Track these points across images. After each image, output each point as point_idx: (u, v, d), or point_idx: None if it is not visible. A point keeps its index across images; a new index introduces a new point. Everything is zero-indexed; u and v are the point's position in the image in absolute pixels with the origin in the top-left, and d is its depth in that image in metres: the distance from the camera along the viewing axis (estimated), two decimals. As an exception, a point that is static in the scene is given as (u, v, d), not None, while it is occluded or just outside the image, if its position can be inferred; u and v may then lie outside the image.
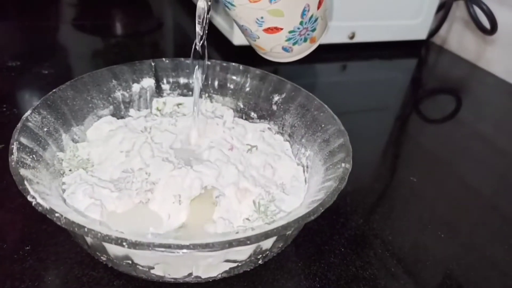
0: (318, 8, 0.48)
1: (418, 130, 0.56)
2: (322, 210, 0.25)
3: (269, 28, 0.47)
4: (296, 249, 0.34)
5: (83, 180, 0.28)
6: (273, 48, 0.45)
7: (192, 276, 0.26)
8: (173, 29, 0.78)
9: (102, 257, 0.26)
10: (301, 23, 0.47)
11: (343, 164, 0.29)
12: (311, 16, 0.48)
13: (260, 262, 0.28)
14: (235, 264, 0.26)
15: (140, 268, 0.26)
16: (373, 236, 0.37)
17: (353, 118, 0.54)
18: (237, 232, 0.26)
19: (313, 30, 0.51)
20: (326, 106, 0.35)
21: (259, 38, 0.44)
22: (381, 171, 0.46)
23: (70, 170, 0.30)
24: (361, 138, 0.50)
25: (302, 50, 0.52)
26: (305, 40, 0.50)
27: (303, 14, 0.46)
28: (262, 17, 0.43)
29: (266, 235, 0.22)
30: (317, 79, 0.68)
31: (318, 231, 0.36)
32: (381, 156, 0.49)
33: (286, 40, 0.48)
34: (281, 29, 0.48)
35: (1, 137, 0.38)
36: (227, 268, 0.26)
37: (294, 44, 0.50)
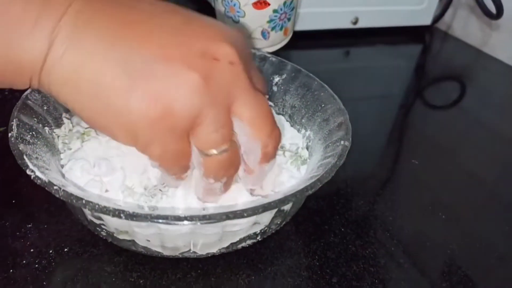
0: None
1: (422, 117, 0.56)
2: (320, 185, 0.25)
3: (258, 1, 0.49)
4: (295, 228, 0.34)
5: (81, 156, 0.28)
6: (253, 31, 0.48)
7: (191, 252, 0.26)
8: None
9: (102, 232, 0.26)
10: (284, 3, 0.50)
11: (342, 142, 0.28)
12: (292, 1, 0.51)
13: (258, 238, 0.28)
14: (234, 239, 0.26)
15: (140, 243, 0.26)
16: (373, 217, 0.37)
17: (356, 105, 0.54)
18: (235, 205, 0.26)
19: (289, 19, 0.54)
20: (326, 86, 0.35)
21: (244, 16, 0.47)
22: (383, 156, 0.46)
23: (65, 143, 0.30)
24: (364, 125, 0.50)
25: (276, 41, 0.57)
26: (281, 28, 0.54)
27: None
28: None
29: (263, 208, 0.22)
30: (319, 66, 0.67)
31: (317, 211, 0.36)
32: (383, 142, 0.49)
33: (268, 21, 0.51)
34: (269, 4, 0.50)
35: (2, 120, 0.39)
36: (226, 244, 0.27)
37: (272, 29, 0.54)
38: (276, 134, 0.25)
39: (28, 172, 0.23)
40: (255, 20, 0.51)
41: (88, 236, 0.31)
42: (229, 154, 0.23)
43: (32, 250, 0.29)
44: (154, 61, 0.21)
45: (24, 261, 0.29)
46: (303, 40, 0.66)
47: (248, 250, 0.31)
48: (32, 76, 0.21)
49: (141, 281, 0.28)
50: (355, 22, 0.69)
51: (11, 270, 0.28)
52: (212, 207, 0.25)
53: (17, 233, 0.30)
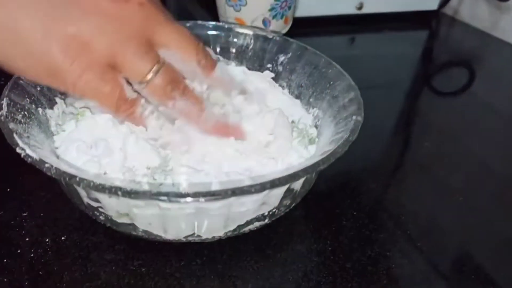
0: None
1: (430, 103, 0.54)
2: (333, 160, 0.23)
3: None
4: (305, 212, 0.32)
5: (76, 138, 0.26)
6: (255, 19, 0.48)
7: (195, 235, 0.24)
8: (175, 7, 0.77)
9: (100, 217, 0.25)
10: None
11: (354, 117, 0.27)
12: None
13: (267, 220, 0.26)
14: (241, 221, 0.24)
15: (141, 227, 0.24)
16: (386, 201, 0.35)
17: (363, 93, 0.52)
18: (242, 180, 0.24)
19: (289, 7, 0.54)
20: (334, 63, 0.33)
21: (245, 5, 0.49)
22: (393, 142, 0.44)
23: (58, 125, 0.28)
24: (371, 112, 0.48)
25: (277, 29, 0.57)
26: (282, 16, 0.55)
27: None
28: None
29: (272, 183, 0.20)
30: (324, 53, 0.65)
31: (328, 195, 0.34)
32: (392, 129, 0.47)
33: (270, 10, 0.51)
34: None
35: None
36: (232, 227, 0.25)
37: (273, 17, 0.54)
38: (202, 47, 0.27)
39: (18, 150, 0.21)
40: (256, 8, 0.51)
41: (87, 224, 0.29)
42: (164, 70, 0.25)
43: (27, 239, 0.28)
44: (69, 4, 0.23)
45: (19, 251, 0.27)
46: (306, 27, 0.64)
47: (255, 235, 0.29)
48: None
49: (143, 269, 0.27)
50: (360, 8, 0.67)
51: (5, 260, 0.26)
52: (218, 182, 0.23)
53: (12, 222, 0.29)
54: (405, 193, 0.36)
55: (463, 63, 0.66)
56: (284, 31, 0.57)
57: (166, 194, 0.19)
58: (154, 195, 0.19)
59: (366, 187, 0.36)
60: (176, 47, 0.26)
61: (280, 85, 0.36)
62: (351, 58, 0.63)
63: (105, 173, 0.25)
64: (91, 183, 0.19)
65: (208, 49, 0.29)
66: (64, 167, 0.20)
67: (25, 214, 0.30)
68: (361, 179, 0.36)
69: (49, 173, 0.20)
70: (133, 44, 0.24)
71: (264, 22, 0.53)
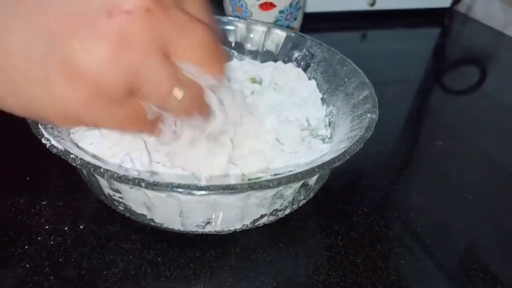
0: None
1: (441, 101, 0.54)
2: (348, 157, 0.23)
3: (265, 3, 0.50)
4: (317, 208, 0.33)
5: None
6: None
7: (212, 226, 0.25)
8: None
9: (119, 207, 0.25)
10: (290, 4, 0.51)
11: (368, 115, 0.27)
12: (298, 2, 0.51)
13: (280, 215, 0.27)
14: (256, 216, 0.25)
15: (159, 218, 0.25)
16: (397, 198, 0.35)
17: (375, 89, 0.52)
18: (260, 177, 0.24)
19: (295, 18, 0.54)
20: (349, 60, 0.33)
21: (251, 16, 0.49)
22: (404, 139, 0.45)
23: None
24: (383, 108, 0.48)
25: None
26: (287, 27, 0.54)
27: None
28: None
29: (288, 180, 0.21)
30: (336, 49, 0.66)
31: (339, 192, 0.34)
32: (403, 125, 0.47)
33: (274, 22, 0.52)
34: (275, 6, 0.51)
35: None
36: (248, 221, 0.25)
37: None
38: (223, 67, 0.23)
39: (43, 140, 0.22)
40: (261, 20, 0.52)
41: (104, 213, 0.30)
42: (188, 97, 0.21)
43: (47, 227, 0.29)
44: (59, 38, 0.18)
45: (39, 238, 0.28)
46: (319, 23, 0.64)
47: (268, 229, 0.30)
48: None
49: (159, 259, 0.27)
50: (373, 4, 0.67)
51: (26, 247, 0.27)
52: (234, 175, 0.24)
53: (32, 210, 0.30)
54: (415, 190, 0.36)
55: (475, 61, 0.66)
56: None
57: (187, 187, 0.20)
58: (175, 187, 0.20)
59: (377, 183, 0.36)
60: (195, 63, 0.21)
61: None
62: (363, 54, 0.63)
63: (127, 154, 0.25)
64: (115, 175, 0.20)
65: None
66: (88, 158, 0.21)
67: (44, 202, 0.30)
68: (372, 176, 0.37)
69: (74, 164, 0.21)
70: (147, 67, 0.19)
71: None
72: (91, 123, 0.20)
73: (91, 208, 0.31)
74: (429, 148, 0.42)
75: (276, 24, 0.51)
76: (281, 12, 0.51)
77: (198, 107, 0.23)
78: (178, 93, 0.21)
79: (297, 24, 0.55)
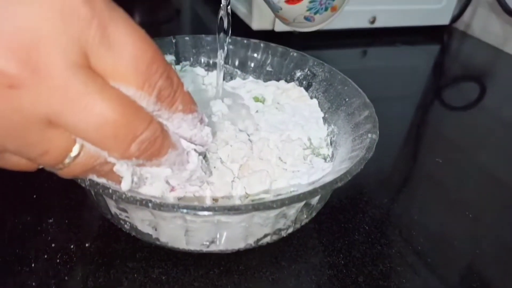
0: None
1: (441, 118, 0.54)
2: (349, 178, 0.24)
3: None
4: (318, 226, 0.33)
5: None
6: (295, 18, 0.44)
7: (216, 245, 0.25)
8: (190, 19, 0.78)
9: (125, 226, 0.26)
10: None
11: (369, 135, 0.28)
12: None
13: (283, 234, 0.27)
14: (259, 235, 0.25)
15: (164, 236, 0.25)
16: (398, 215, 0.36)
17: (375, 105, 0.53)
18: (263, 198, 0.25)
19: (330, 2, 0.50)
20: (350, 80, 0.34)
21: (281, 9, 0.44)
22: (404, 156, 0.45)
23: None
24: (383, 125, 0.49)
25: (324, 19, 0.51)
26: (326, 9, 0.49)
27: None
28: None
29: (291, 200, 0.21)
30: (336, 65, 0.66)
31: (341, 209, 0.35)
32: (403, 142, 0.48)
33: (308, 10, 0.47)
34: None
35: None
36: (251, 240, 0.26)
37: (315, 13, 0.48)
38: (140, 147, 0.19)
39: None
40: (293, 12, 0.45)
41: (110, 232, 0.30)
42: (81, 162, 0.19)
43: (53, 245, 0.29)
44: None
45: (45, 256, 0.28)
46: (319, 40, 0.66)
47: (271, 248, 0.30)
48: None
49: (163, 277, 0.28)
50: (373, 22, 0.68)
51: (33, 265, 0.28)
52: (238, 196, 0.24)
53: (38, 228, 0.30)
54: (416, 207, 0.37)
55: (474, 77, 0.67)
56: (332, 19, 0.51)
57: (193, 208, 0.20)
58: (181, 208, 0.20)
59: (378, 201, 0.37)
60: (91, 142, 0.18)
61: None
62: (363, 70, 0.64)
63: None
64: (123, 195, 0.20)
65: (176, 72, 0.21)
66: (97, 179, 0.21)
67: (50, 220, 0.31)
68: (373, 193, 0.37)
69: (83, 185, 0.21)
70: (25, 136, 0.17)
71: (307, 18, 0.46)
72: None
73: (97, 226, 0.31)
74: (429, 165, 0.43)
75: (312, 11, 0.44)
76: (311, 1, 0.43)
77: (98, 172, 0.20)
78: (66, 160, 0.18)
79: (337, 2, 0.47)
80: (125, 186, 0.21)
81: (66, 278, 0.27)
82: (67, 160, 0.18)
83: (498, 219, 0.37)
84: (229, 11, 0.32)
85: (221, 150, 0.29)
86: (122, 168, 0.20)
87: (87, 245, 0.29)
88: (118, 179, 0.21)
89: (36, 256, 0.28)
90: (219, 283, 0.28)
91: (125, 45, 0.17)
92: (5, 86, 0.15)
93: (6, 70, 0.15)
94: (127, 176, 0.20)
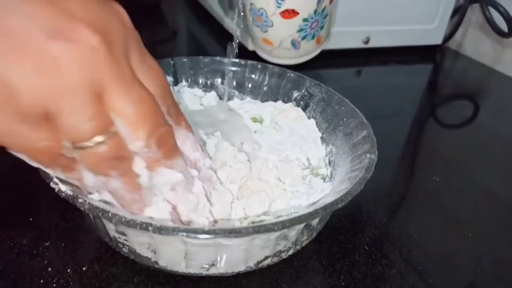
0: (331, 2, 0.48)
1: (436, 135, 0.55)
2: (350, 198, 0.24)
3: (286, 10, 0.46)
4: (319, 247, 0.33)
5: None
6: (283, 41, 0.45)
7: (216, 268, 0.25)
8: (187, 40, 0.79)
9: (123, 249, 0.26)
10: (315, 12, 0.47)
11: (368, 155, 0.28)
12: (324, 8, 0.49)
13: (283, 256, 0.27)
14: (260, 257, 0.25)
15: (163, 260, 0.25)
16: (398, 235, 0.35)
17: (370, 124, 0.53)
18: (263, 220, 0.25)
19: (322, 27, 0.51)
20: (347, 100, 0.35)
21: (272, 26, 0.45)
22: (402, 174, 0.45)
23: None
24: (379, 143, 0.49)
25: (308, 51, 0.52)
26: (313, 37, 0.50)
27: (318, 2, 0.47)
28: None
29: (292, 222, 0.21)
30: (332, 85, 0.67)
31: (340, 229, 0.35)
32: (399, 160, 0.48)
33: (298, 31, 0.48)
34: (297, 13, 0.47)
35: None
36: (252, 263, 0.26)
37: (303, 38, 0.49)
38: (160, 136, 0.21)
39: (52, 185, 0.22)
40: (283, 29, 0.48)
41: (107, 255, 0.30)
42: (108, 147, 0.20)
43: (49, 269, 0.29)
44: None
45: (41, 280, 0.28)
46: (315, 60, 0.66)
47: (271, 270, 0.30)
48: None
49: (162, 301, 0.27)
50: (367, 42, 0.69)
51: (29, 290, 0.27)
52: (237, 218, 0.24)
53: (34, 252, 0.30)
54: (415, 226, 0.36)
55: (468, 95, 0.67)
56: (317, 51, 0.53)
57: (193, 231, 0.20)
58: (182, 231, 0.20)
59: (377, 220, 0.36)
60: (125, 120, 0.20)
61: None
62: (358, 89, 0.65)
63: None
64: (123, 219, 0.20)
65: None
66: (96, 203, 0.21)
67: (47, 243, 0.30)
68: (372, 213, 0.37)
69: (82, 208, 0.21)
70: (74, 100, 0.19)
71: (293, 43, 0.50)
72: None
73: (94, 249, 0.31)
74: (426, 183, 0.43)
75: (301, 34, 0.47)
76: (305, 20, 0.47)
77: (117, 168, 0.21)
78: (96, 139, 0.20)
79: (324, 33, 0.50)
80: (144, 181, 0.22)
81: (62, 303, 0.26)
82: (100, 139, 0.20)
83: (497, 236, 0.37)
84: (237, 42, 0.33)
85: (220, 170, 0.29)
86: (140, 165, 0.22)
87: (84, 268, 0.29)
88: (134, 182, 0.22)
89: (31, 280, 0.28)
90: (219, 306, 0.27)
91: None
92: (88, 45, 0.19)
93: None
94: (144, 174, 0.22)
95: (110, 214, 0.20)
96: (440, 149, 0.50)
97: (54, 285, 0.27)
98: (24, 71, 0.18)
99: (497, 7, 0.65)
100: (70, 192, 0.22)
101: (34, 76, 0.18)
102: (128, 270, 0.29)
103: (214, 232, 0.20)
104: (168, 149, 0.22)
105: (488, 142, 0.53)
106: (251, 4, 0.47)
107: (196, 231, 0.20)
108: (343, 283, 0.30)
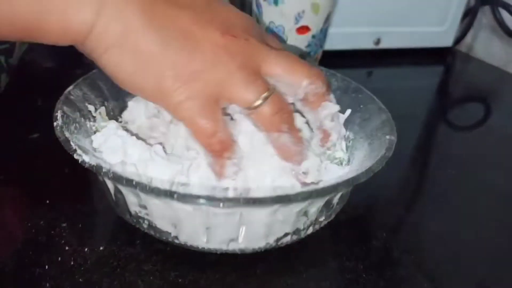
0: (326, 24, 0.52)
1: (447, 137, 0.54)
2: (372, 174, 0.24)
3: (302, 26, 0.50)
4: (335, 232, 0.32)
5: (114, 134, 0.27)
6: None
7: (235, 244, 0.25)
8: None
9: (143, 225, 0.26)
10: (321, 30, 0.50)
11: (387, 137, 0.28)
12: (326, 28, 0.51)
13: (302, 234, 0.27)
14: (279, 234, 0.25)
15: (183, 234, 0.25)
16: (414, 224, 0.35)
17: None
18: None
19: (321, 46, 0.54)
20: (363, 88, 0.35)
21: (286, 41, 0.48)
22: (413, 176, 0.44)
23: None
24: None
25: None
26: (315, 53, 0.54)
27: (325, 21, 0.50)
28: (303, 11, 0.48)
29: (317, 193, 0.21)
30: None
31: (357, 217, 0.34)
32: (409, 164, 0.47)
33: (307, 46, 0.51)
34: (309, 30, 0.51)
35: (36, 127, 0.39)
36: (271, 239, 0.25)
37: (308, 53, 0.53)
38: (315, 70, 0.28)
39: (75, 156, 0.22)
40: (293, 46, 0.52)
41: (124, 235, 0.30)
42: (273, 98, 0.26)
43: (67, 248, 0.29)
44: (184, 36, 0.25)
45: (59, 258, 0.28)
46: (325, 60, 0.67)
47: (288, 252, 0.29)
48: (76, 39, 0.24)
49: (180, 280, 0.27)
50: (377, 43, 0.70)
51: (46, 267, 0.27)
52: (265, 188, 0.24)
53: (52, 232, 0.30)
54: (433, 217, 0.36)
55: (479, 97, 0.67)
56: None
57: (218, 199, 0.20)
58: (206, 198, 0.20)
59: (396, 211, 0.36)
60: (286, 72, 0.27)
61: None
62: (369, 90, 0.65)
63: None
64: (148, 187, 0.20)
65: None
66: (121, 172, 0.21)
67: (64, 224, 0.30)
68: (389, 204, 0.37)
69: (106, 178, 0.21)
70: (242, 73, 0.25)
71: (301, 57, 0.53)
72: (174, 103, 0.25)
73: (110, 230, 0.31)
74: (438, 186, 0.42)
75: (308, 48, 0.52)
76: (313, 36, 0.51)
77: (286, 122, 0.26)
78: (263, 95, 0.25)
79: (320, 53, 0.55)
80: (305, 134, 0.30)
81: (80, 280, 0.26)
82: (266, 94, 0.25)
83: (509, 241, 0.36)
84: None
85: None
86: (301, 121, 0.30)
87: (101, 248, 0.29)
88: (298, 136, 0.28)
89: (49, 259, 0.28)
90: (236, 287, 0.27)
91: None
92: (243, 38, 0.26)
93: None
94: (304, 128, 0.30)
95: (134, 182, 0.20)
96: (452, 152, 0.50)
97: (72, 263, 0.27)
98: (210, 60, 0.25)
99: (508, 9, 0.65)
100: (93, 162, 0.22)
101: (215, 64, 0.25)
102: (146, 250, 0.29)
103: (238, 200, 0.20)
104: (327, 83, 0.29)
105: (500, 144, 0.53)
106: (270, 22, 0.50)
107: (220, 200, 0.20)
108: (361, 266, 0.30)
